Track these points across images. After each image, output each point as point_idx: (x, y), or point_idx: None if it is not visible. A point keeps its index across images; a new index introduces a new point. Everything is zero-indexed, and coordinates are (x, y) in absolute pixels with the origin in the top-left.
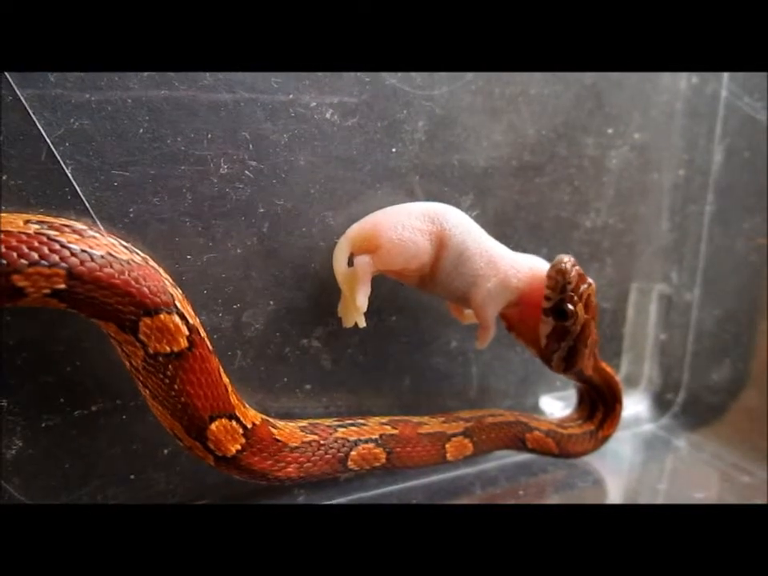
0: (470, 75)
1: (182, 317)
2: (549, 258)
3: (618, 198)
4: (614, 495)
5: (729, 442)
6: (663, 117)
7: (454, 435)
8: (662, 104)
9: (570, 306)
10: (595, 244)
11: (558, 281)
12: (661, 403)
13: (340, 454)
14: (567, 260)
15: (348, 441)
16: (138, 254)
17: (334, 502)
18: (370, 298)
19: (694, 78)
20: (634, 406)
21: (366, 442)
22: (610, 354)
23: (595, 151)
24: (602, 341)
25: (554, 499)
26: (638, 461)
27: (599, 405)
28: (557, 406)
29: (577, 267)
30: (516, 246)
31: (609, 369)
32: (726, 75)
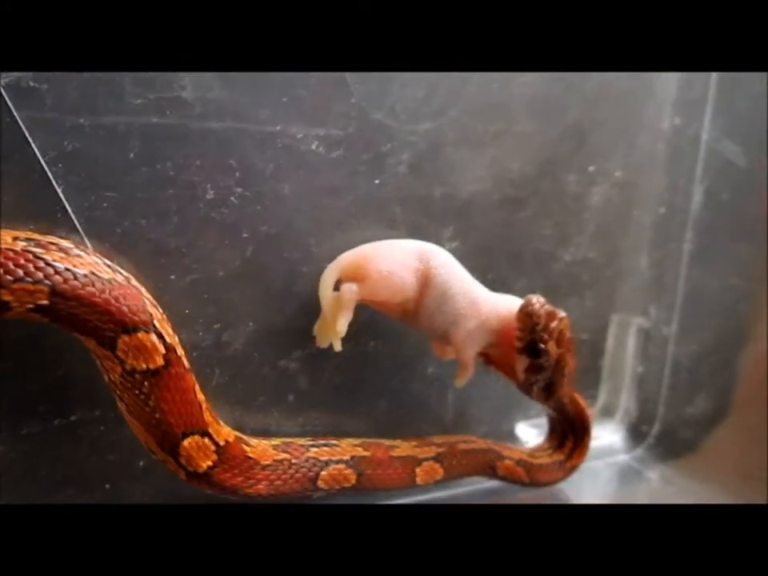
0: (453, 112)
1: (160, 336)
2: (527, 291)
3: (599, 234)
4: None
5: (700, 478)
6: (645, 156)
7: (425, 460)
8: (645, 143)
9: (541, 345)
10: (575, 277)
11: (527, 323)
12: (636, 435)
13: (311, 474)
14: (535, 301)
15: (319, 461)
16: (120, 273)
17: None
18: (349, 323)
19: (677, 119)
20: (610, 436)
21: (338, 462)
22: (588, 384)
23: (577, 188)
24: (580, 371)
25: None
26: (610, 491)
27: (569, 435)
28: (532, 433)
29: (546, 306)
30: (496, 277)
31: (581, 400)
32: (707, 118)
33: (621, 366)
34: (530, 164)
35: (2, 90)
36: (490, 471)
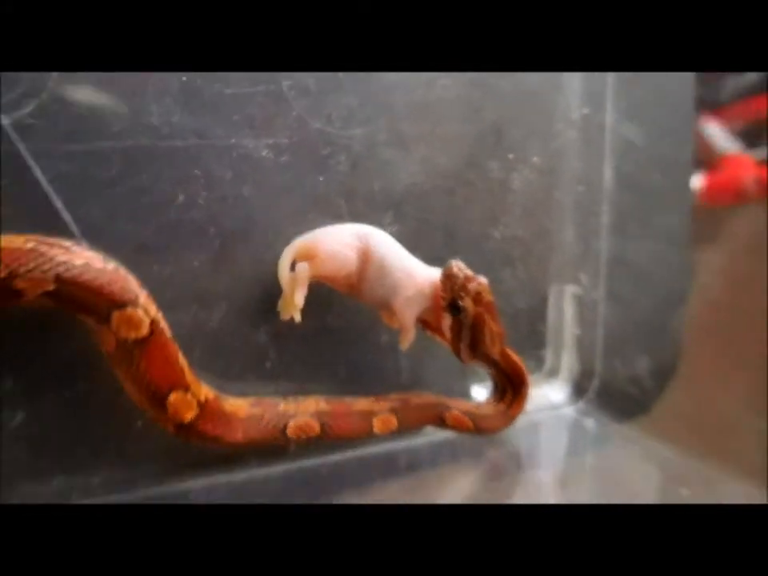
0: (383, 117)
1: (145, 311)
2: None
3: (524, 214)
4: (529, 464)
5: (632, 423)
6: (561, 143)
7: (381, 412)
8: (559, 132)
9: (460, 303)
10: (506, 252)
11: (447, 284)
12: (578, 390)
13: (280, 425)
14: (454, 265)
15: (287, 414)
16: (111, 263)
17: (277, 469)
18: (309, 300)
19: (585, 109)
20: (556, 394)
21: (303, 415)
22: (535, 349)
23: (500, 175)
24: (525, 336)
25: (467, 464)
26: (558, 438)
27: (508, 388)
28: (484, 394)
29: (464, 271)
30: (434, 255)
31: (515, 356)
32: (609, 105)
33: (561, 330)
34: (456, 157)
35: (6, 127)
36: (440, 421)
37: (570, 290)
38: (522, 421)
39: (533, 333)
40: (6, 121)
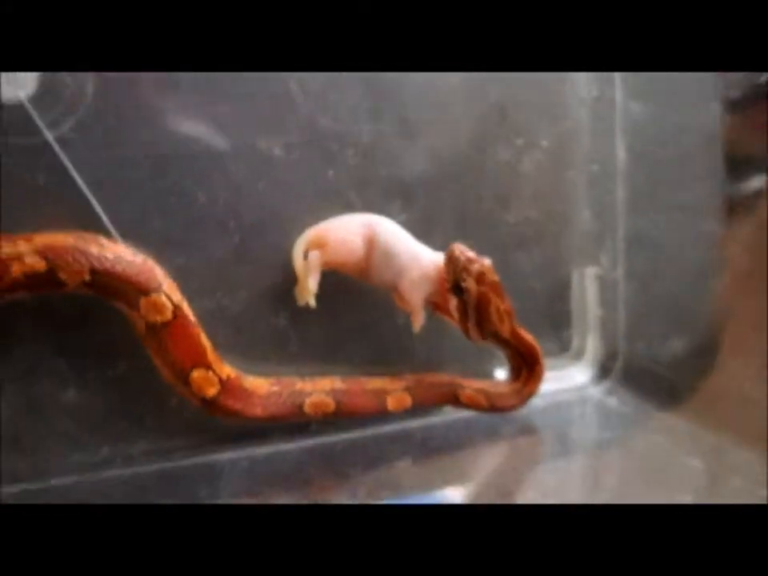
0: (388, 108)
1: (168, 297)
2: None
3: (537, 196)
4: (550, 442)
5: (658, 399)
6: (571, 122)
7: (395, 391)
8: (570, 111)
9: (463, 284)
10: (520, 235)
11: (449, 266)
12: (603, 371)
13: (298, 401)
14: (455, 248)
15: (304, 391)
16: (139, 256)
17: (297, 444)
18: (328, 286)
19: (594, 90)
20: (581, 375)
21: (320, 393)
22: (559, 330)
23: (509, 158)
24: (548, 318)
25: (484, 443)
26: (582, 416)
27: (523, 366)
28: (504, 376)
29: (466, 253)
30: (445, 240)
31: (527, 335)
32: (618, 85)
33: (585, 311)
34: (462, 143)
35: (51, 142)
36: (454, 400)
37: (592, 271)
38: (547, 400)
39: (556, 315)
40: (50, 136)
